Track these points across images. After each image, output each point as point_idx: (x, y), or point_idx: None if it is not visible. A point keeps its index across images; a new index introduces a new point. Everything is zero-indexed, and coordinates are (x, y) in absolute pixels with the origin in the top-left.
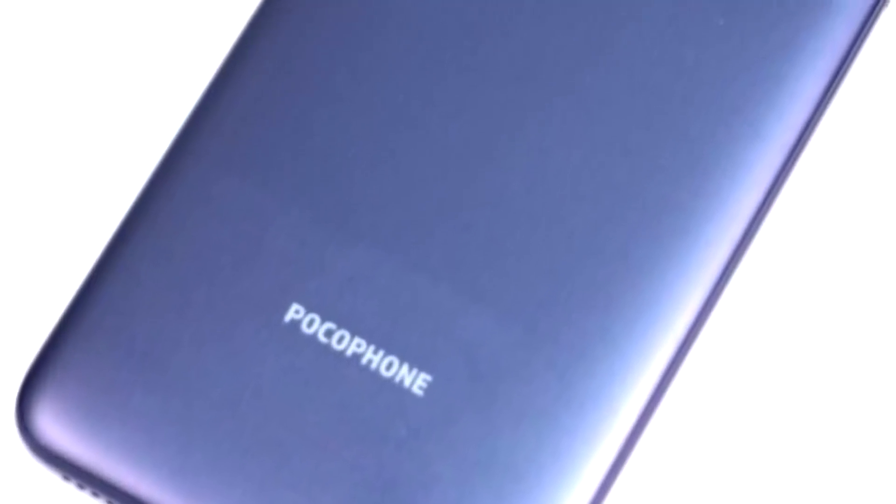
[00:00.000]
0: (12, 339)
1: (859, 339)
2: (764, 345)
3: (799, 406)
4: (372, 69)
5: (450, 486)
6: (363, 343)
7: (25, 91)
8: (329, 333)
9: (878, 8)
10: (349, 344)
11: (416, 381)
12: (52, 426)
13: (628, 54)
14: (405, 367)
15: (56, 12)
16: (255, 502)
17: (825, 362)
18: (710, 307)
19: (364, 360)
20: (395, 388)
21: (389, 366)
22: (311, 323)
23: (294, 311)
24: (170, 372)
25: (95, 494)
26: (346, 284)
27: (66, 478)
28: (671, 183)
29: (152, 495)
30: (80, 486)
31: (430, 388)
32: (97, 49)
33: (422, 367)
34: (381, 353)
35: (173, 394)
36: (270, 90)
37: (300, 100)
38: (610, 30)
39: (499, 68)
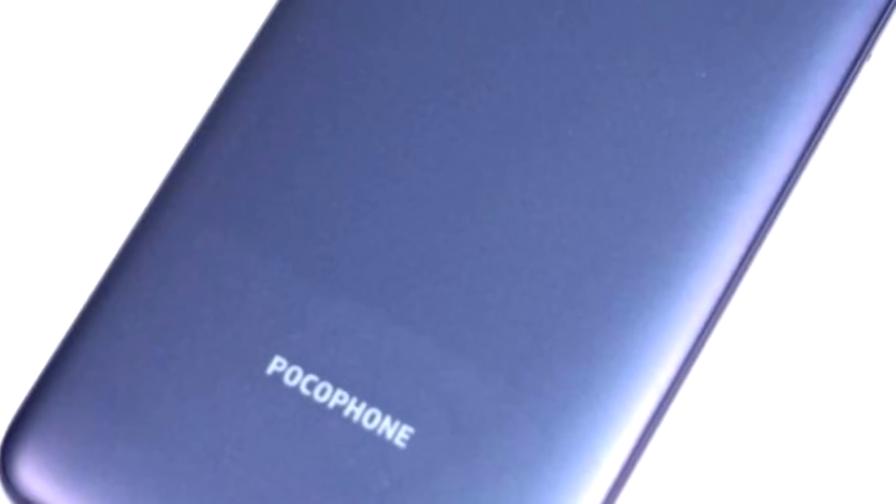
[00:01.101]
0: None
1: (843, 391)
2: (746, 396)
3: (785, 456)
4: (354, 122)
5: None
6: (345, 395)
7: None
8: (311, 385)
9: (860, 61)
10: (331, 396)
11: (398, 433)
12: (35, 478)
13: (610, 107)
14: (387, 420)
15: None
16: None
17: (808, 415)
18: (693, 359)
19: (346, 413)
20: (377, 441)
21: (372, 418)
22: (293, 375)
23: (276, 364)
24: (152, 424)
25: None
26: (328, 337)
27: None
28: (653, 235)
29: None
30: None
31: (412, 441)
32: (76, 102)
33: (404, 420)
34: (363, 405)
35: (156, 446)
36: (252, 143)
37: (282, 152)
38: (592, 82)
39: (480, 120)
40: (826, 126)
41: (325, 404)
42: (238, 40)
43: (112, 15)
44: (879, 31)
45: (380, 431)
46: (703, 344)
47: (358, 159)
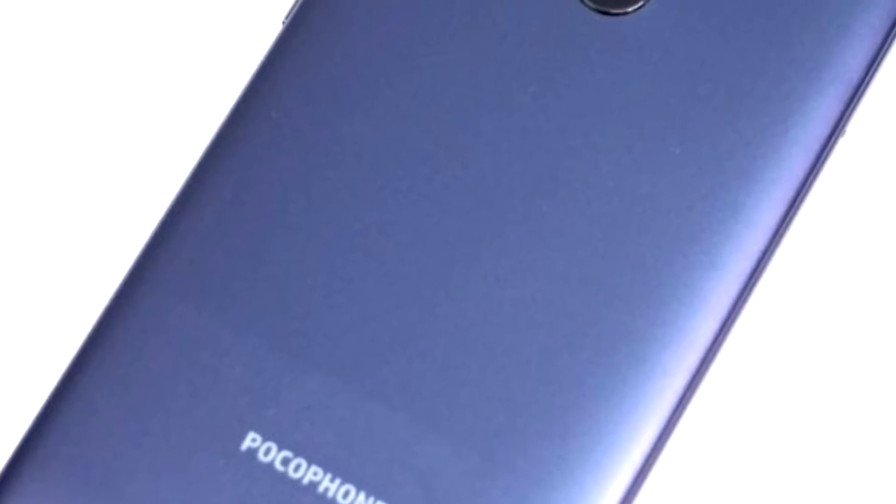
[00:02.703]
0: None
1: (824, 457)
2: (722, 469)
3: None
4: (328, 197)
5: None
6: (320, 471)
7: None
8: (286, 461)
9: (834, 137)
10: (306, 472)
11: None
12: None
13: (584, 182)
14: (362, 496)
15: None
16: None
17: (788, 486)
18: (668, 434)
19: (321, 489)
20: None
21: (346, 494)
22: (267, 451)
23: (251, 440)
24: (127, 501)
25: None
26: (302, 413)
27: None
28: (627, 311)
29: None
30: None
31: None
32: (50, 184)
33: (378, 496)
34: (337, 481)
35: None
36: (227, 219)
37: (256, 228)
38: (566, 158)
39: (454, 196)
40: (801, 202)
41: (299, 480)
42: (212, 114)
43: (79, 100)
44: (854, 108)
45: None
46: (678, 418)
47: (332, 235)
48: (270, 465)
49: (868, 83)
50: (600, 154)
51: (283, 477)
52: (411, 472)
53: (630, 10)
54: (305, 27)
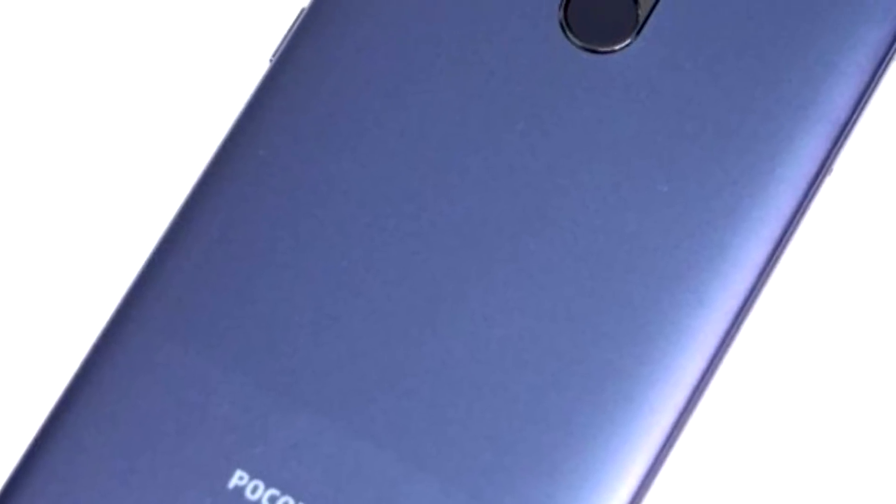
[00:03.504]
0: None
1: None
2: None
3: None
4: (315, 235)
5: None
6: None
7: None
8: (273, 500)
9: (821, 176)
10: None
11: None
12: None
13: (572, 220)
14: None
15: None
16: None
17: None
18: (655, 472)
19: None
20: None
21: None
22: (255, 489)
23: (238, 478)
24: None
25: None
26: (289, 451)
27: None
28: (615, 349)
29: None
30: None
31: None
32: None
33: None
34: None
35: None
36: (214, 257)
37: (243, 266)
38: (553, 196)
39: (441, 234)
40: (788, 240)
41: None
42: (199, 152)
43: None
44: (840, 147)
45: None
46: (665, 457)
47: (319, 273)
48: (258, 502)
49: (855, 122)
50: (588, 192)
51: None
52: None
53: (617, 48)
54: (292, 65)
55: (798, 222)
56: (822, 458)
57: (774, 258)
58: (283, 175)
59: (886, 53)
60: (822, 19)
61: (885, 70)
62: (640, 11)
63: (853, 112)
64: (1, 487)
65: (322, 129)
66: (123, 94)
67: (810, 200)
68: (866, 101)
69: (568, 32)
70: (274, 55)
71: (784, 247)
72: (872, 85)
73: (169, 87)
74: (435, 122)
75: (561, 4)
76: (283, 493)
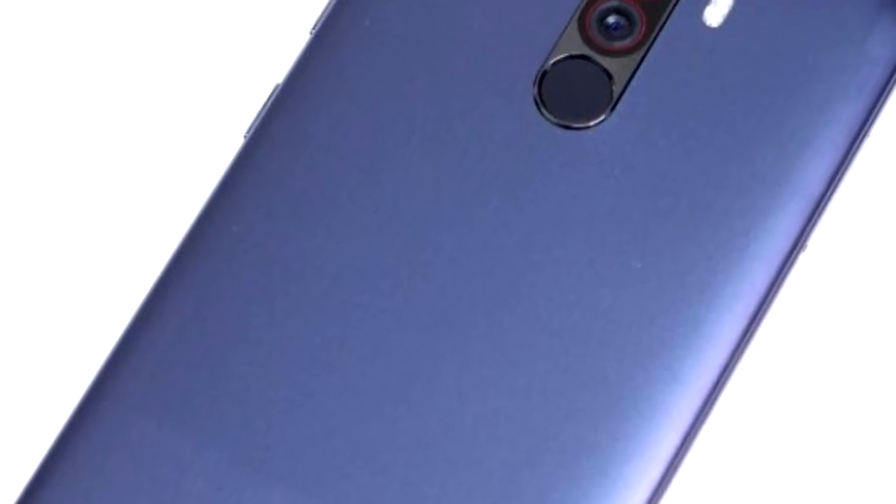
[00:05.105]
0: None
1: None
2: None
3: None
4: (289, 312)
5: None
6: None
7: None
8: None
9: (795, 252)
10: None
11: None
12: None
13: (545, 297)
14: None
15: None
16: None
17: None
18: None
19: None
20: None
21: None
22: None
23: None
24: None
25: None
26: None
27: None
28: (589, 425)
29: None
30: None
31: None
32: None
33: None
34: None
35: None
36: (187, 333)
37: (217, 343)
38: (527, 272)
39: (415, 311)
40: (762, 316)
41: None
42: (173, 228)
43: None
44: (814, 223)
45: None
46: None
47: (294, 349)
48: None
49: (829, 198)
50: (562, 268)
51: None
52: None
53: (592, 124)
54: (267, 141)
55: (772, 298)
56: None
57: (749, 334)
58: (257, 251)
59: (861, 130)
60: (797, 96)
61: (859, 146)
62: (614, 88)
63: (827, 188)
64: None
65: (296, 206)
66: (95, 180)
67: (784, 276)
68: (841, 177)
69: (542, 109)
70: (248, 131)
71: (758, 322)
72: (847, 161)
73: (143, 163)
74: (409, 199)
75: (535, 81)
76: None
